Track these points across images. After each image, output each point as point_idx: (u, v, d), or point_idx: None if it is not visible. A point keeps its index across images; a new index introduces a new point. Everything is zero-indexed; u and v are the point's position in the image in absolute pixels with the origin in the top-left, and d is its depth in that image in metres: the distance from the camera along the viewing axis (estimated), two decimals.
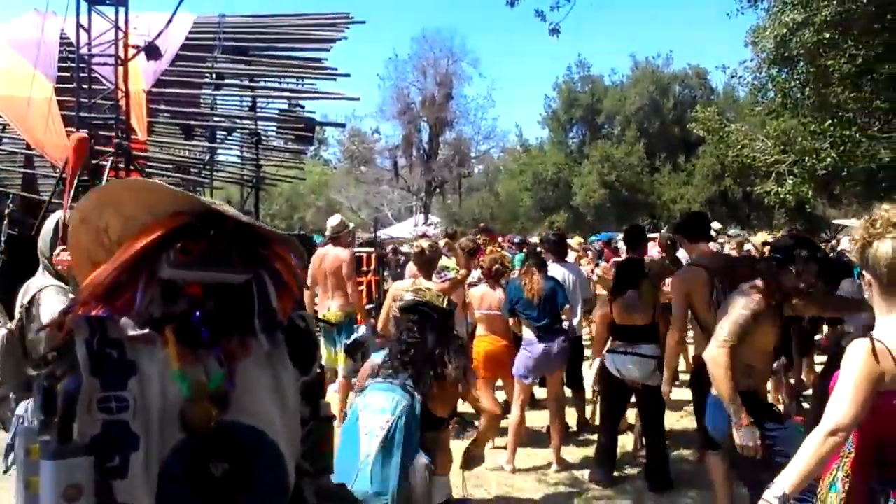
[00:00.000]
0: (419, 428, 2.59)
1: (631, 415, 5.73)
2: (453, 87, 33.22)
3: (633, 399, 5.22)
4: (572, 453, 5.72)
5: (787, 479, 2.02)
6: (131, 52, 8.69)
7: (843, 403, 2.00)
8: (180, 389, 1.21)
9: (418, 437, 2.60)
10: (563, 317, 5.60)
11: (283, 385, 1.37)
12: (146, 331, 1.23)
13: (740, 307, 2.99)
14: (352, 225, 7.11)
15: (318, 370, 1.52)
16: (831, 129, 8.42)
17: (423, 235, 10.45)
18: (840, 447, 2.07)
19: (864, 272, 2.17)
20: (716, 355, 2.97)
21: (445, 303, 2.86)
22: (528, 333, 5.44)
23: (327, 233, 6.73)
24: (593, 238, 13.04)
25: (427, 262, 5.01)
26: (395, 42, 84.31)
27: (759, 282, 3.08)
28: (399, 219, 30.98)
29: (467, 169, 34.92)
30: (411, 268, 6.23)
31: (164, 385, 1.21)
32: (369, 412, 2.50)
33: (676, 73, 30.42)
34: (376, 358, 2.85)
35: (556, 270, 6.25)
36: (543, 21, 7.44)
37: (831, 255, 6.71)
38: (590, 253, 11.42)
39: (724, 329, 2.98)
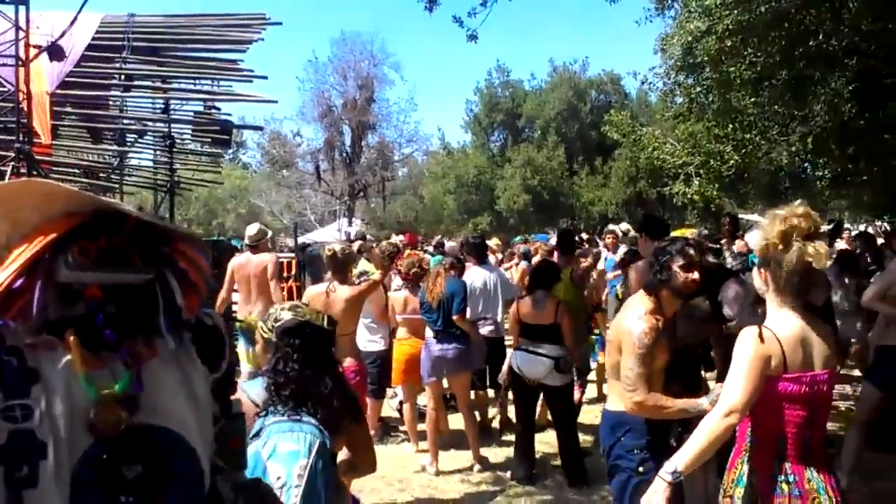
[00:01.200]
0: (334, 465, 2.28)
1: None
2: (375, 91, 33.06)
3: None
4: (495, 453, 5.81)
5: (682, 458, 2.16)
6: (33, 52, 8.25)
7: (735, 386, 2.14)
8: (87, 394, 1.19)
9: (336, 477, 2.30)
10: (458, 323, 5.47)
11: (192, 384, 1.36)
12: (46, 336, 1.20)
13: (636, 347, 2.74)
14: (270, 233, 7.19)
15: (228, 367, 1.51)
16: (733, 132, 8.87)
17: (350, 239, 10.34)
18: (732, 429, 2.18)
19: (761, 268, 2.31)
20: (642, 402, 2.73)
21: (326, 321, 2.43)
22: (428, 335, 5.52)
23: (246, 241, 6.83)
24: (534, 237, 13.24)
25: (341, 266, 4.91)
26: (314, 45, 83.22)
27: (649, 302, 2.87)
28: (323, 223, 30.58)
29: (391, 172, 34.79)
30: None
31: (69, 391, 1.18)
32: (278, 460, 2.06)
33: (592, 79, 31.28)
34: (250, 390, 2.39)
35: (477, 273, 6.33)
36: (461, 27, 7.50)
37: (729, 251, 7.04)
38: (515, 257, 11.55)
39: (632, 380, 2.73)
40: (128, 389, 1.22)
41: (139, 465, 1.23)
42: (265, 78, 11.63)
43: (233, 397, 1.56)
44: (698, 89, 8.82)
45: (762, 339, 2.15)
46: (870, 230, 12.64)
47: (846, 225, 16.53)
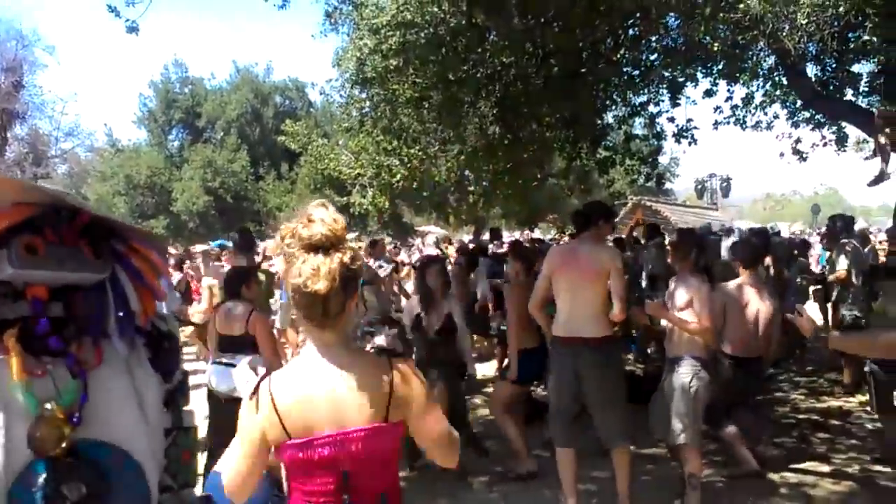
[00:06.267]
0: None
1: None
2: (24, 75, 28.51)
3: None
4: None
5: None
6: None
7: None
8: (27, 406, 1.02)
9: None
10: None
11: (143, 394, 1.20)
12: None
13: None
14: None
15: (182, 376, 1.37)
16: (399, 147, 9.50)
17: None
18: None
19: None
20: None
21: None
22: None
23: None
24: (213, 244, 12.60)
25: None
26: None
27: None
28: None
29: (45, 169, 30.30)
30: None
31: (5, 401, 1.02)
32: None
33: (277, 84, 31.13)
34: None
35: None
36: (118, 17, 6.77)
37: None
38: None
39: None
40: (72, 401, 1.06)
41: (82, 485, 1.07)
42: None
43: (185, 408, 1.41)
44: (368, 104, 9.24)
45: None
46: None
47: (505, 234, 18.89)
